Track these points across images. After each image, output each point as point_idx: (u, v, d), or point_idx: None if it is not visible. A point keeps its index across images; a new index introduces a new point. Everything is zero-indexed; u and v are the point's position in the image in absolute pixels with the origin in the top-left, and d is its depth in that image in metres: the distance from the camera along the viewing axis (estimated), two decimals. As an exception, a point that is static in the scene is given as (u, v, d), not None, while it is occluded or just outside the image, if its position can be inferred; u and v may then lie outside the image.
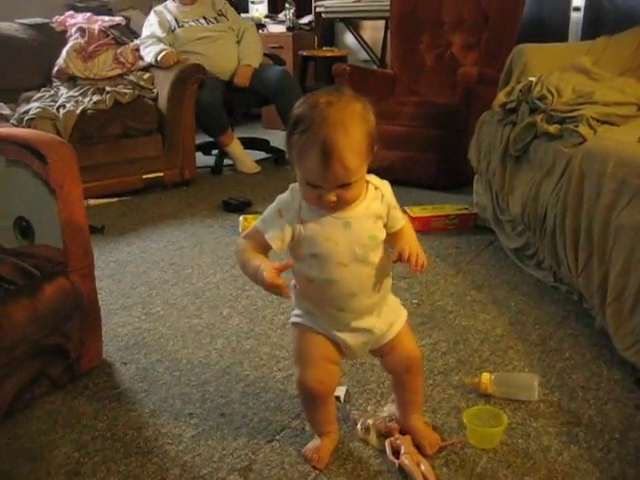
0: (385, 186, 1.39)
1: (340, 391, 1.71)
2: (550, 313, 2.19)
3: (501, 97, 2.71)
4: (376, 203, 1.35)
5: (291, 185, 1.36)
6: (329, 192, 1.26)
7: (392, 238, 1.39)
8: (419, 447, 1.48)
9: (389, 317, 1.45)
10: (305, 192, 1.30)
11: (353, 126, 1.24)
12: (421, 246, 1.39)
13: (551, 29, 4.30)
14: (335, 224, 1.32)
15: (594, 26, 4.08)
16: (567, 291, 2.30)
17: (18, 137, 1.81)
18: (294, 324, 1.47)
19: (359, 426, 1.56)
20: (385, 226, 1.38)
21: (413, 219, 2.89)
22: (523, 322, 2.13)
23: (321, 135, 1.22)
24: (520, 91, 2.57)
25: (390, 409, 1.60)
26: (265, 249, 1.36)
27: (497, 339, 2.02)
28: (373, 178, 1.37)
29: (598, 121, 2.21)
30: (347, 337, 1.41)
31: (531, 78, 2.60)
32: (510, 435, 1.56)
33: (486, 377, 1.72)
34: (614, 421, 1.61)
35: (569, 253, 2.09)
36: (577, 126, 2.19)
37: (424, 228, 2.93)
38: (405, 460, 1.42)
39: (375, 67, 5.21)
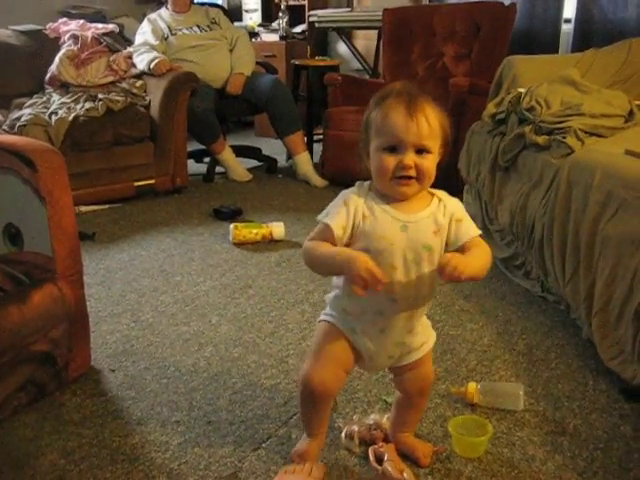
0: (450, 200, 1.35)
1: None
2: (537, 323, 2.21)
3: (491, 108, 2.73)
4: (439, 215, 1.32)
5: (357, 182, 1.36)
6: (408, 155, 1.25)
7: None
8: (415, 461, 1.49)
9: (422, 338, 1.43)
10: (382, 163, 1.27)
11: (435, 105, 1.28)
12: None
13: (542, 40, 4.32)
14: (393, 224, 1.29)
15: (585, 38, 4.11)
16: (554, 301, 2.32)
17: (8, 144, 1.81)
18: (323, 321, 1.43)
19: (343, 433, 1.57)
20: (448, 242, 1.32)
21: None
22: (510, 332, 2.15)
23: (406, 96, 1.26)
24: (509, 102, 2.59)
25: (375, 418, 1.61)
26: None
27: (484, 349, 2.04)
28: (439, 192, 1.35)
29: (586, 133, 2.23)
30: (376, 346, 1.39)
31: (520, 89, 2.63)
32: (495, 444, 1.57)
33: (472, 386, 1.73)
34: (599, 431, 1.63)
35: (556, 263, 2.11)
36: (565, 137, 2.21)
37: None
38: (388, 467, 1.43)
39: (367, 77, 5.24)
